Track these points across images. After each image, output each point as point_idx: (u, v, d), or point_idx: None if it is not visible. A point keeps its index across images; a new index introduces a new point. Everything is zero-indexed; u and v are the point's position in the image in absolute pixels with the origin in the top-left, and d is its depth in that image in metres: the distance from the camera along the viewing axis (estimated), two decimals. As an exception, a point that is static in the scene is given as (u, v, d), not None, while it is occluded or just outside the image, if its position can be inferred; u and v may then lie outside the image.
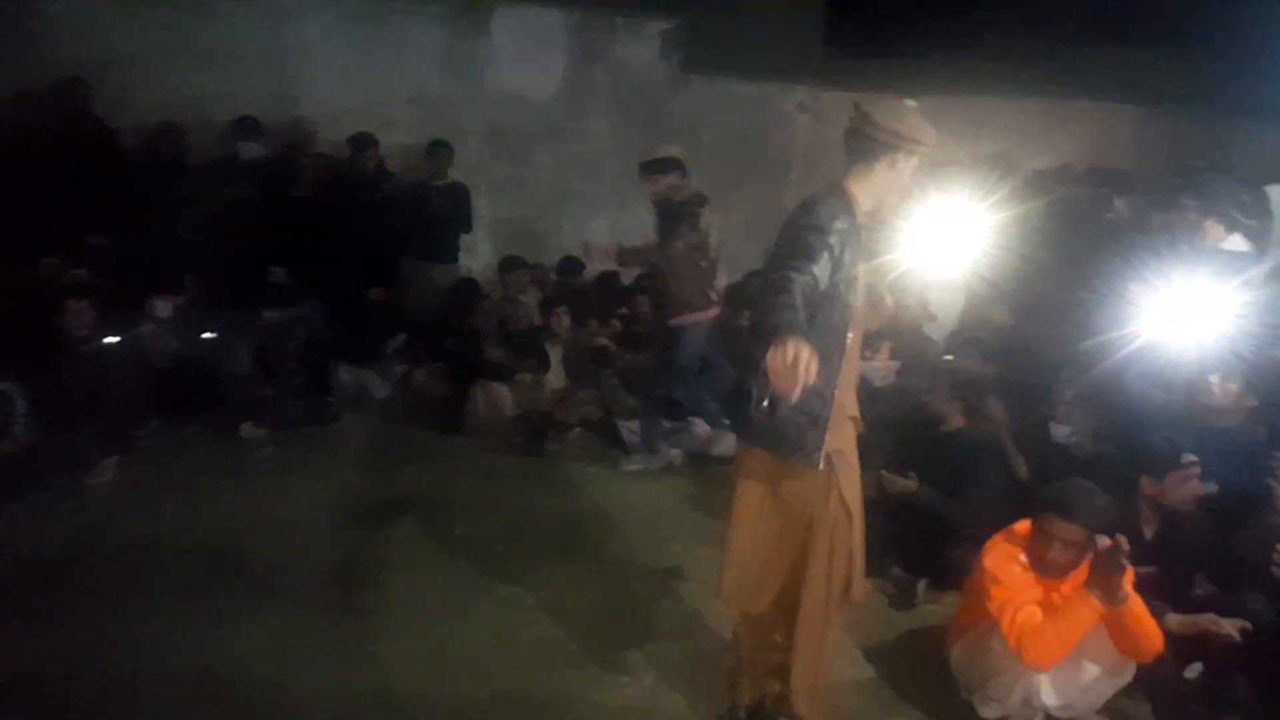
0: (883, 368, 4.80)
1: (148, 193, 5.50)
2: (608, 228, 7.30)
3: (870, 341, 4.75)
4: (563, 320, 5.81)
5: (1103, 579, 2.63)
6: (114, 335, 4.79)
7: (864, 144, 2.47)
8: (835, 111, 7.47)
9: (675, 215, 4.65)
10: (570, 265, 6.48)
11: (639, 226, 7.37)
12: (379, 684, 3.00)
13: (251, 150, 5.84)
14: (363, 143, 6.04)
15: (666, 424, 5.10)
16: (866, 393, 4.49)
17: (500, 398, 5.29)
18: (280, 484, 4.47)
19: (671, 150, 4.77)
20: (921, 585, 3.72)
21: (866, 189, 2.49)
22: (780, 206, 7.60)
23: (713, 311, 4.84)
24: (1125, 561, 2.60)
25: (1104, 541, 2.72)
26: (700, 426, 5.15)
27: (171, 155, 5.68)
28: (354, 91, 6.36)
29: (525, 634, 3.33)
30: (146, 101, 5.74)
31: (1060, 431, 4.12)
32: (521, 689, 3.03)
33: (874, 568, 3.74)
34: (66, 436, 4.38)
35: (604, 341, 5.86)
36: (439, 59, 6.65)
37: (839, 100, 7.56)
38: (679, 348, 4.81)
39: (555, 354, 5.69)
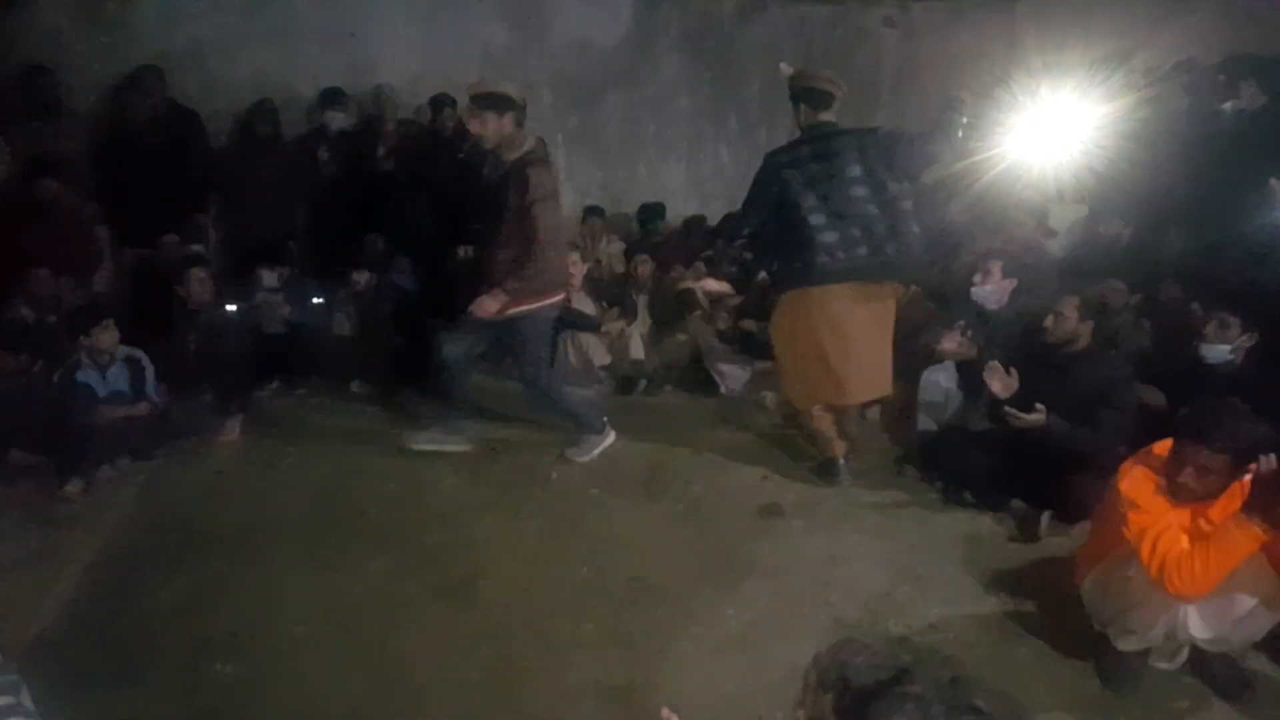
0: (996, 289, 4.52)
1: (249, 170, 5.82)
2: (685, 171, 7.32)
3: (980, 262, 4.65)
4: (646, 267, 5.89)
5: (1267, 503, 2.42)
6: (230, 304, 5.15)
7: None
8: (928, 24, 7.33)
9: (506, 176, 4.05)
10: (649, 212, 6.52)
11: (716, 167, 7.39)
12: (481, 621, 3.18)
13: (339, 121, 6.06)
14: (440, 104, 6.17)
15: (757, 364, 5.13)
16: (979, 315, 4.47)
17: (589, 347, 5.43)
18: (388, 436, 4.72)
19: (507, 88, 3.98)
20: (1045, 518, 3.61)
21: None
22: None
23: (558, 297, 4.34)
24: None
25: (1271, 462, 2.51)
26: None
27: (268, 132, 5.96)
28: (426, 54, 6.46)
29: (620, 572, 3.45)
30: (235, 83, 6.01)
31: (1216, 352, 3.80)
32: (618, 625, 3.14)
33: (992, 502, 3.83)
34: (194, 399, 4.76)
35: (689, 285, 5.91)
36: (505, 13, 6.69)
37: (931, 11, 7.34)
38: None
39: (641, 301, 5.78)
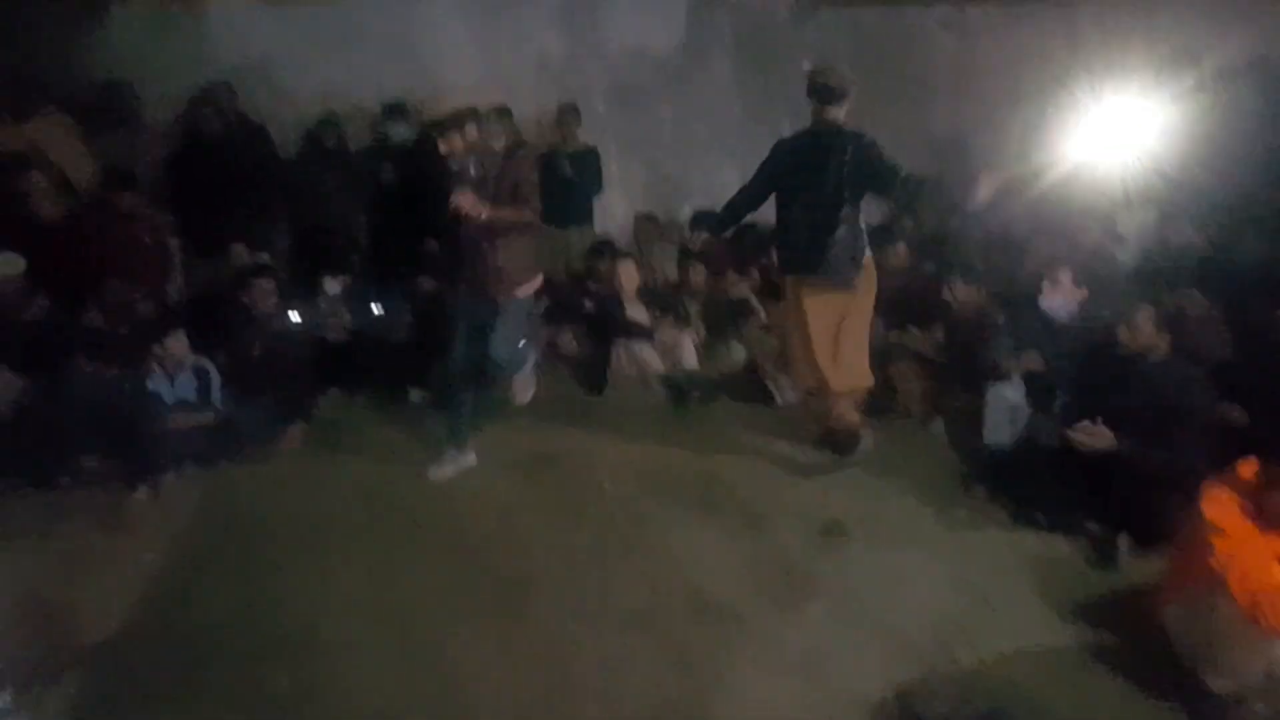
0: (1067, 299, 4.39)
1: (315, 180, 5.93)
2: (738, 177, 7.24)
3: (1047, 271, 4.51)
4: (699, 274, 5.85)
5: None
6: (293, 312, 5.24)
7: None
8: (985, 26, 7.17)
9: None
10: (703, 219, 6.46)
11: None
12: (534, 635, 3.18)
13: (400, 132, 6.14)
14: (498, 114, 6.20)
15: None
16: (1046, 326, 4.35)
17: (643, 356, 5.41)
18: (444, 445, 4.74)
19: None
20: (1123, 541, 3.47)
21: None
22: (925, 133, 7.39)
23: (536, 283, 4.51)
24: None
25: None
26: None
27: (333, 143, 6.07)
28: (482, 65, 6.52)
29: (676, 588, 3.42)
30: (302, 96, 6.14)
31: None
32: (676, 644, 3.11)
33: (1065, 523, 3.70)
34: (257, 406, 4.83)
35: (744, 294, 5.85)
36: (560, 23, 6.70)
37: (988, 14, 7.18)
38: None
39: (694, 309, 5.74)
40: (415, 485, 4.33)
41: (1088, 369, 3.84)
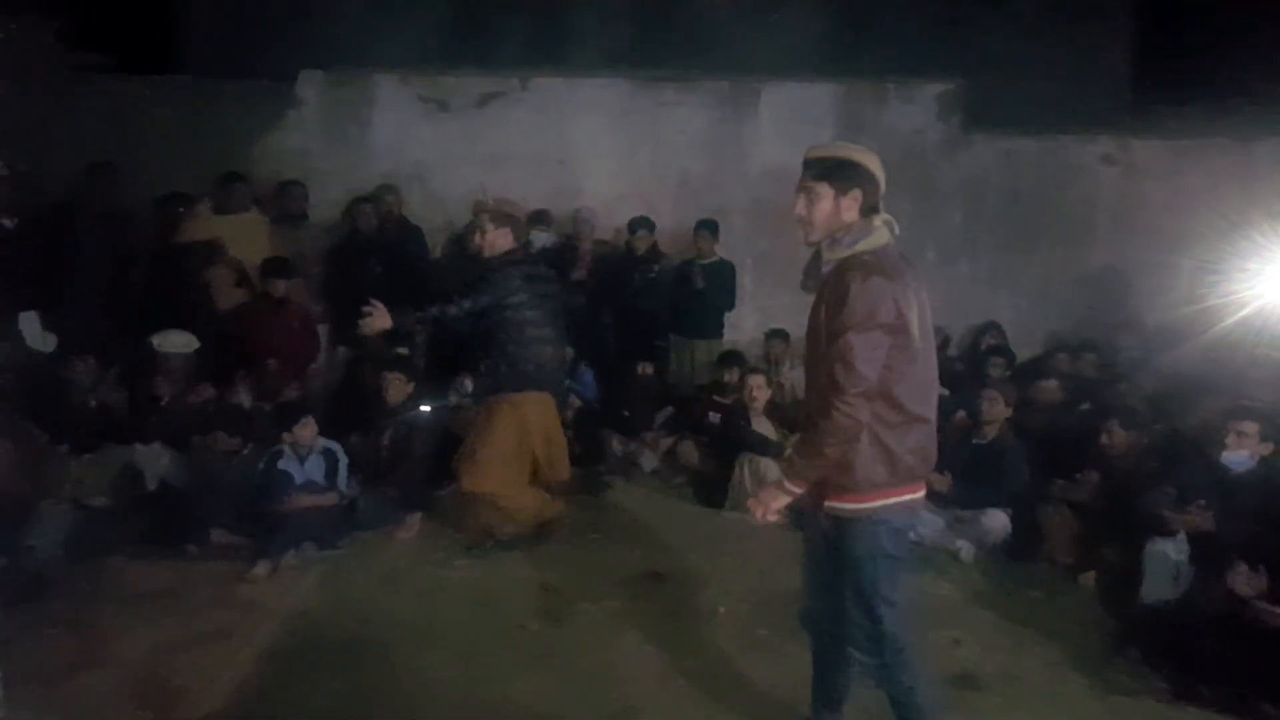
0: (1252, 452, 3.99)
1: (459, 280, 6.18)
2: (877, 298, 7.10)
3: (1231, 423, 4.11)
4: (830, 395, 5.65)
5: None
6: (425, 405, 5.33)
7: None
8: (1151, 161, 6.93)
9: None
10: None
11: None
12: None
13: (542, 238, 6.37)
14: (636, 226, 6.37)
15: (957, 512, 4.76)
16: (1219, 479, 3.94)
17: (767, 473, 5.20)
18: (552, 548, 4.66)
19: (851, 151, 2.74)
20: None
21: None
22: (1083, 269, 7.11)
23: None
24: None
25: None
26: (996, 518, 4.70)
27: (476, 249, 6.34)
28: (627, 179, 6.79)
29: (793, 722, 3.15)
30: (453, 200, 6.48)
31: None
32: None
33: (1235, 702, 3.25)
34: (380, 493, 4.90)
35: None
36: (704, 142, 6.91)
37: (1153, 148, 6.95)
38: None
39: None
40: (524, 587, 4.24)
41: (1267, 528, 3.40)
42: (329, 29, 6.88)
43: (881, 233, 2.62)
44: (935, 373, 2.71)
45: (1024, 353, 6.56)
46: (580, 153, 6.76)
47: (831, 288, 2.60)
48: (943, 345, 6.56)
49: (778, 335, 6.55)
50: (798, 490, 2.62)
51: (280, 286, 5.68)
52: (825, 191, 2.63)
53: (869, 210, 2.64)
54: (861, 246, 2.58)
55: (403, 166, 6.61)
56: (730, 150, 6.93)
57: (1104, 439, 4.67)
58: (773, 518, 2.67)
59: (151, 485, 4.74)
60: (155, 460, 4.80)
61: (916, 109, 7.01)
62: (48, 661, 3.41)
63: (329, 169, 6.58)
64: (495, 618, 3.95)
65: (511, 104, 6.80)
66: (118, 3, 6.73)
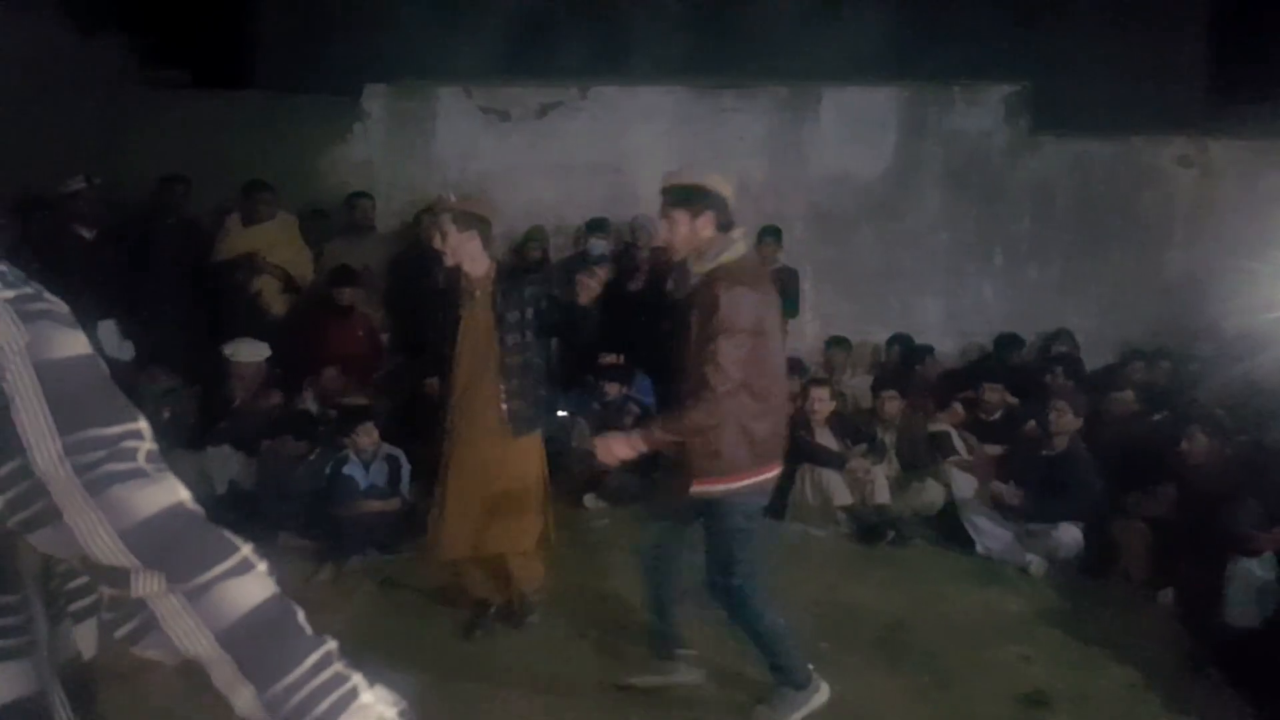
0: None
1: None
2: (943, 306, 6.97)
3: None
4: (894, 404, 5.55)
5: None
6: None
7: None
8: (1230, 163, 6.68)
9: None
10: (902, 346, 6.22)
11: (977, 303, 6.98)
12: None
13: (599, 247, 6.39)
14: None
15: (1028, 525, 4.63)
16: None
17: (829, 485, 5.13)
18: (609, 556, 4.64)
19: (707, 179, 3.09)
20: None
21: None
22: (1158, 274, 6.88)
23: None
24: None
25: None
26: (1068, 531, 4.56)
27: (537, 255, 6.42)
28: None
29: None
30: (514, 209, 6.54)
31: None
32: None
33: None
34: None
35: (944, 428, 5.49)
36: (765, 149, 6.86)
37: (1232, 150, 6.70)
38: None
39: (888, 441, 5.43)
40: (578, 596, 4.21)
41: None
42: (393, 43, 7.01)
43: (739, 245, 3.03)
44: (785, 365, 3.28)
45: (1096, 361, 6.37)
46: (639, 160, 6.76)
47: (701, 296, 2.95)
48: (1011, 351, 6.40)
49: (839, 343, 6.46)
50: (644, 448, 3.00)
51: (347, 295, 5.80)
52: (681, 216, 2.98)
53: (724, 226, 3.00)
54: (724, 259, 2.96)
55: (466, 177, 6.69)
56: (791, 156, 6.87)
57: (1184, 445, 4.50)
58: (612, 462, 3.09)
59: (220, 489, 4.86)
60: (224, 463, 4.91)
61: (983, 111, 6.86)
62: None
63: (393, 180, 6.72)
64: (552, 630, 3.93)
65: (571, 113, 6.86)
66: (192, 21, 6.97)
